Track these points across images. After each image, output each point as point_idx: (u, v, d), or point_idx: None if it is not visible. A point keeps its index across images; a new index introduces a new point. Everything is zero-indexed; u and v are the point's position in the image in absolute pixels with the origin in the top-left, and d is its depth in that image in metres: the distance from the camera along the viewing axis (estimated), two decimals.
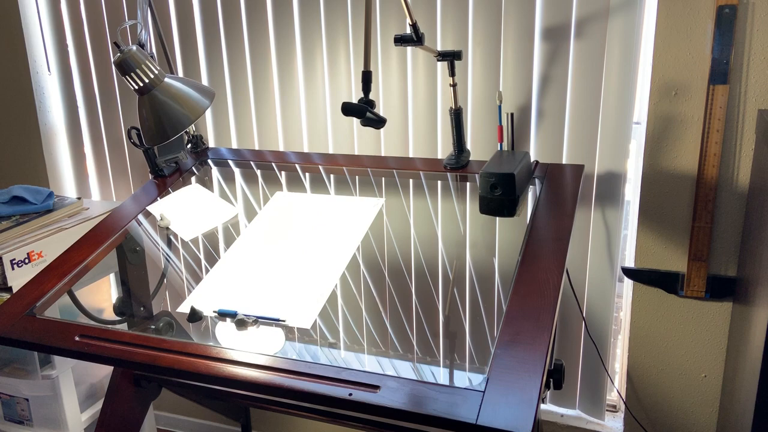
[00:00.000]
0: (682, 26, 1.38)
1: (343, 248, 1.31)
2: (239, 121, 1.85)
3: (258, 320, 1.12)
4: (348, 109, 0.98)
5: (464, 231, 1.52)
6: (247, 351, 1.04)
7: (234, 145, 1.87)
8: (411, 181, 1.59)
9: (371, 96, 0.99)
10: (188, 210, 1.49)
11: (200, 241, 1.45)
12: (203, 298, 1.21)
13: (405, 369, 1.10)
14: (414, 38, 1.17)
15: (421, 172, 1.58)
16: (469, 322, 1.26)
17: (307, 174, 1.67)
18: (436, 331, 1.25)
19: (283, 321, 1.11)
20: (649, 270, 1.52)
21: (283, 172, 1.68)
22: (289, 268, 1.26)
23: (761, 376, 1.08)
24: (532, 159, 1.59)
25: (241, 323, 1.12)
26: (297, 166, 1.69)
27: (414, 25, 1.16)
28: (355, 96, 1.73)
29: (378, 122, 1.01)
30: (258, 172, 1.69)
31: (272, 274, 1.25)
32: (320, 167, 1.66)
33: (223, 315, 1.15)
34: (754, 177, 1.34)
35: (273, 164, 1.69)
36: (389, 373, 1.00)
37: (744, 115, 1.37)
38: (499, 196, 1.31)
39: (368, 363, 1.13)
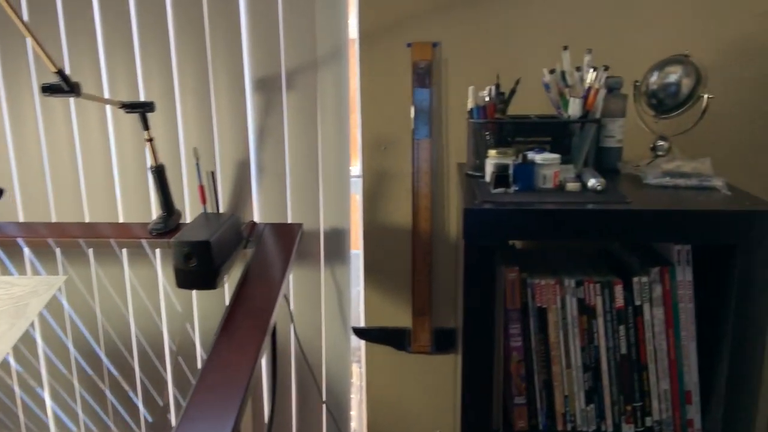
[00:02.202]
0: (384, 82, 1.37)
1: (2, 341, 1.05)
2: None
3: None
4: None
5: (168, 306, 1.34)
6: None
7: None
8: (111, 250, 1.37)
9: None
10: None
11: None
12: None
13: None
14: (65, 88, 0.98)
15: (137, 240, 1.37)
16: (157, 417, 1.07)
17: None
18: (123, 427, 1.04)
19: None
20: (378, 328, 1.47)
21: None
22: None
23: (462, 428, 1.05)
24: (256, 219, 1.47)
25: None
26: None
27: (60, 73, 0.97)
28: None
29: None
30: None
31: None
32: (18, 239, 1.36)
33: None
34: (460, 230, 1.36)
35: None
36: None
37: (449, 169, 1.39)
38: (196, 268, 1.15)
39: None
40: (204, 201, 1.25)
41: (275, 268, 1.25)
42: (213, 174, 1.26)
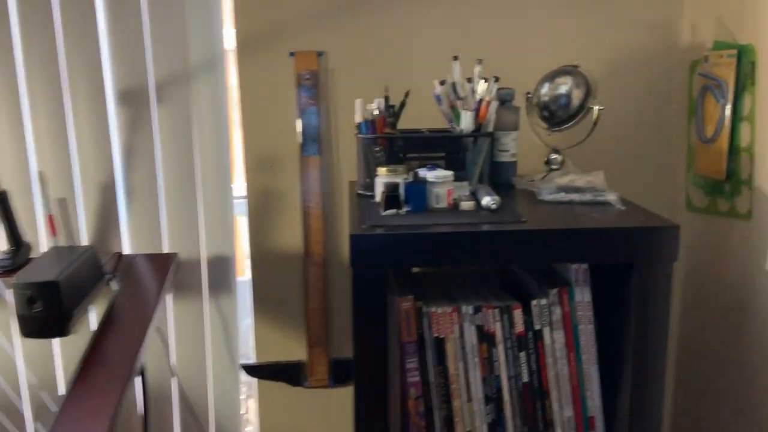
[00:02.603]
0: (267, 94, 1.26)
1: None
2: None
3: None
4: None
5: (26, 345, 1.16)
6: None
7: None
8: None
9: None
10: None
11: None
12: None
13: None
14: None
15: None
16: None
17: None
18: None
19: None
20: (270, 364, 1.34)
21: None
22: None
23: None
24: (127, 250, 1.31)
25: None
26: None
27: None
28: None
29: None
30: None
31: None
32: None
33: None
34: None
35: None
36: None
37: (341, 188, 1.30)
38: (42, 313, 0.97)
39: None
40: (54, 233, 1.07)
41: (144, 305, 1.10)
42: (65, 201, 1.09)
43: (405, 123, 1.11)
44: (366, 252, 0.86)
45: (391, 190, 0.96)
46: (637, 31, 1.28)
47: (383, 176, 1.00)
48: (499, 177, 1.14)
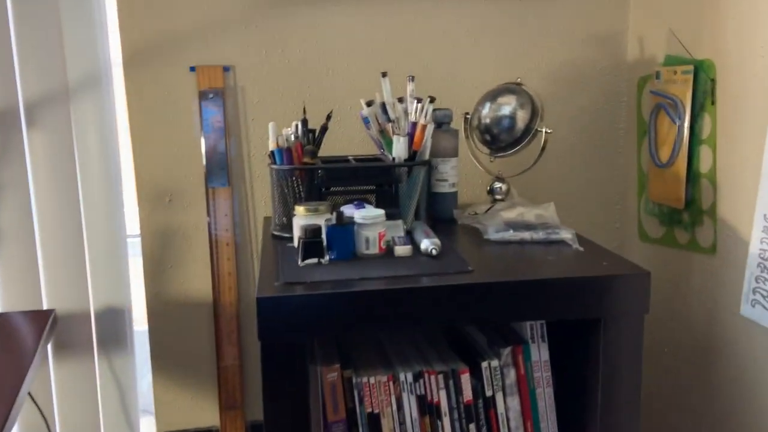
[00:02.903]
0: (163, 115, 1.06)
1: None
2: None
3: None
4: None
5: None
6: None
7: None
8: None
9: None
10: None
11: None
12: None
13: None
14: None
15: None
16: None
17: None
18: None
19: None
20: None
21: None
22: None
23: None
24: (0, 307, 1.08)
25: None
26: None
27: None
28: None
29: None
30: None
31: None
32: None
33: None
34: None
35: None
36: None
37: (256, 224, 1.12)
38: None
39: None
40: None
41: (12, 373, 0.88)
42: None
43: (327, 150, 0.95)
44: (277, 318, 0.69)
45: (311, 235, 0.79)
46: (579, 45, 1.17)
47: (301, 217, 0.83)
48: (438, 210, 0.99)
